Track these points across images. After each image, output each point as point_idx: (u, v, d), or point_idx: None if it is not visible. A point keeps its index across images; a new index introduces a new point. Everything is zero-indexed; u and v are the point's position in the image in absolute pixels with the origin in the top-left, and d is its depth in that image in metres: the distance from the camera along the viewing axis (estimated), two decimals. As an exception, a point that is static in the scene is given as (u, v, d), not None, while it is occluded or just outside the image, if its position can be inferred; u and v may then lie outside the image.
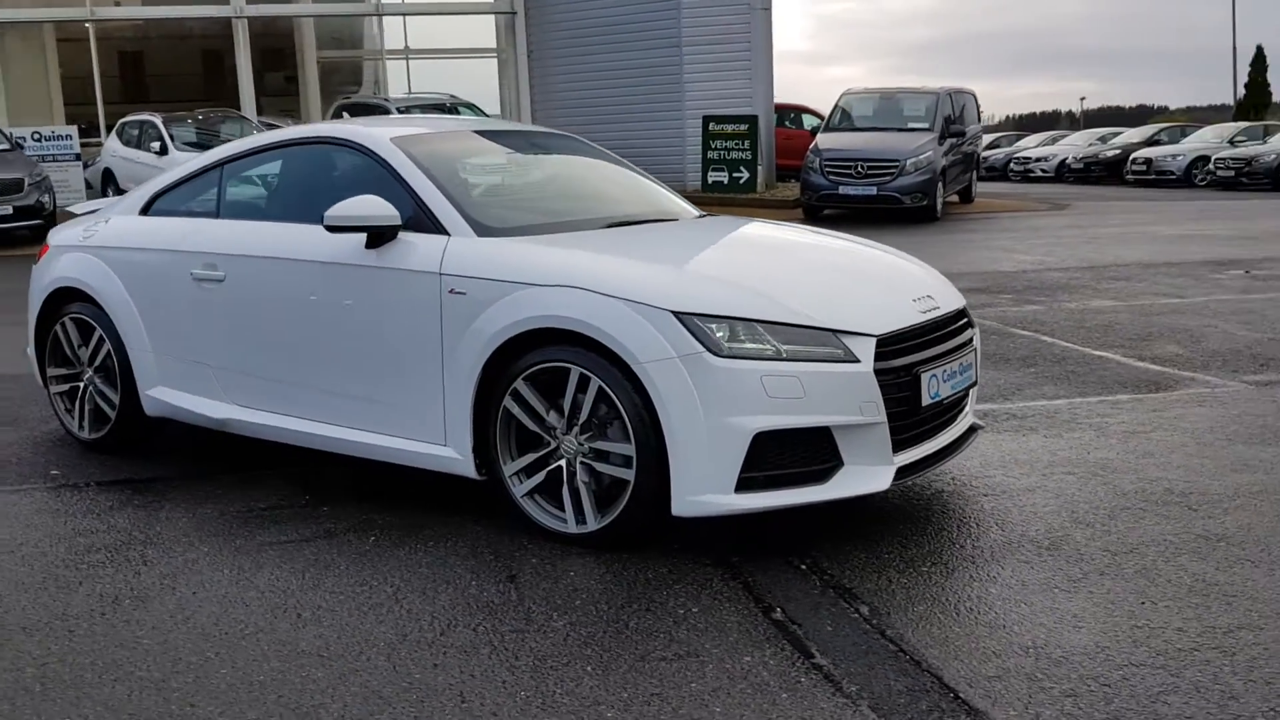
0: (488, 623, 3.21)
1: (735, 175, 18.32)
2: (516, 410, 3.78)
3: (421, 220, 4.08)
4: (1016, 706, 2.63)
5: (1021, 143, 35.79)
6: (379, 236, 4.07)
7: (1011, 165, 32.69)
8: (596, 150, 5.39)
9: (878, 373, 3.54)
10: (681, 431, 3.44)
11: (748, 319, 3.51)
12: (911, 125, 16.49)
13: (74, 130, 17.95)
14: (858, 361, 3.51)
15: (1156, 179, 26.51)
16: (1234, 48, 41.46)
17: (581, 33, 20.21)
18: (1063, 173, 30.57)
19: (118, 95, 24.59)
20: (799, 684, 2.79)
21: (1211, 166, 25.06)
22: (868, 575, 3.47)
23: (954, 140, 16.74)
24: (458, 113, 17.86)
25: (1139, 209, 18.80)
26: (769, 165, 19.19)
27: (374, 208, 4.01)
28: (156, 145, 15.37)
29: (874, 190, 15.64)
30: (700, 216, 4.87)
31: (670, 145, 19.32)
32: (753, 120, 18.31)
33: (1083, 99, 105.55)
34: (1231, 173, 24.26)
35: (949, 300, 4.09)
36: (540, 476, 3.79)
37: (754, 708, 2.68)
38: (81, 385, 5.10)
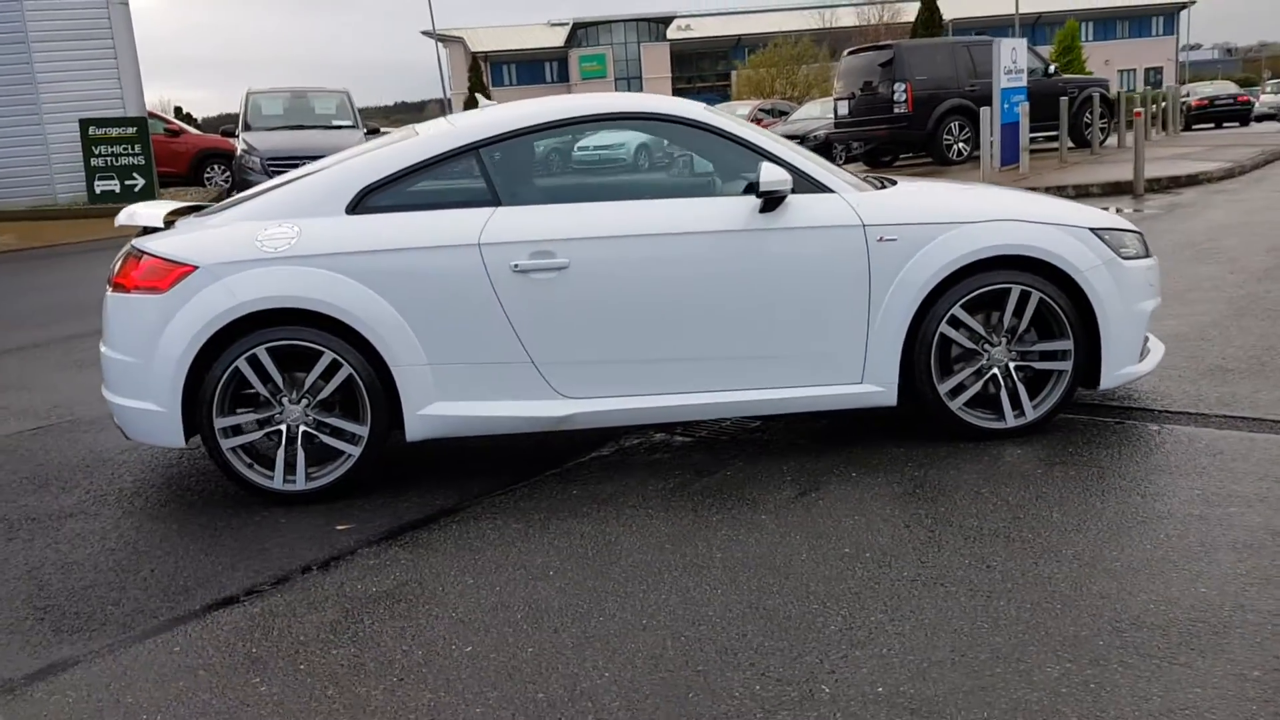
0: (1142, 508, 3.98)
1: (129, 183, 16.78)
2: (954, 334, 4.43)
3: (798, 183, 4.39)
4: None
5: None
6: (778, 200, 4.32)
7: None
8: None
9: None
10: (1113, 321, 4.48)
11: (1122, 229, 4.63)
12: (337, 123, 16.70)
13: None
14: (1152, 256, 4.85)
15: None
16: (439, 55, 46.27)
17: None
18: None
19: None
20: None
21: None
22: (1176, 399, 4.85)
23: (372, 137, 17.34)
24: None
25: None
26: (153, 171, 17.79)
27: (782, 174, 4.26)
28: None
29: (325, 188, 15.66)
30: None
31: (31, 154, 16.90)
32: (141, 123, 16.87)
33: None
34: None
35: None
36: (977, 387, 4.49)
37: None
38: (287, 427, 4.22)
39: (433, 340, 4.17)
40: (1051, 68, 19.20)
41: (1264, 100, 42.65)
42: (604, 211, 4.28)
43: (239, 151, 15.86)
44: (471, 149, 4.34)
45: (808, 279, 4.30)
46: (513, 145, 4.39)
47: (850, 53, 19.06)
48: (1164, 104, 24.41)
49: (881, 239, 4.33)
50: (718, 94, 66.90)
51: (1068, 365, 4.47)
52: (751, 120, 26.17)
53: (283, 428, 4.21)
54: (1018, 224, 4.40)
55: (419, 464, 4.71)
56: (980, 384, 4.48)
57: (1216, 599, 3.01)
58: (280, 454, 4.20)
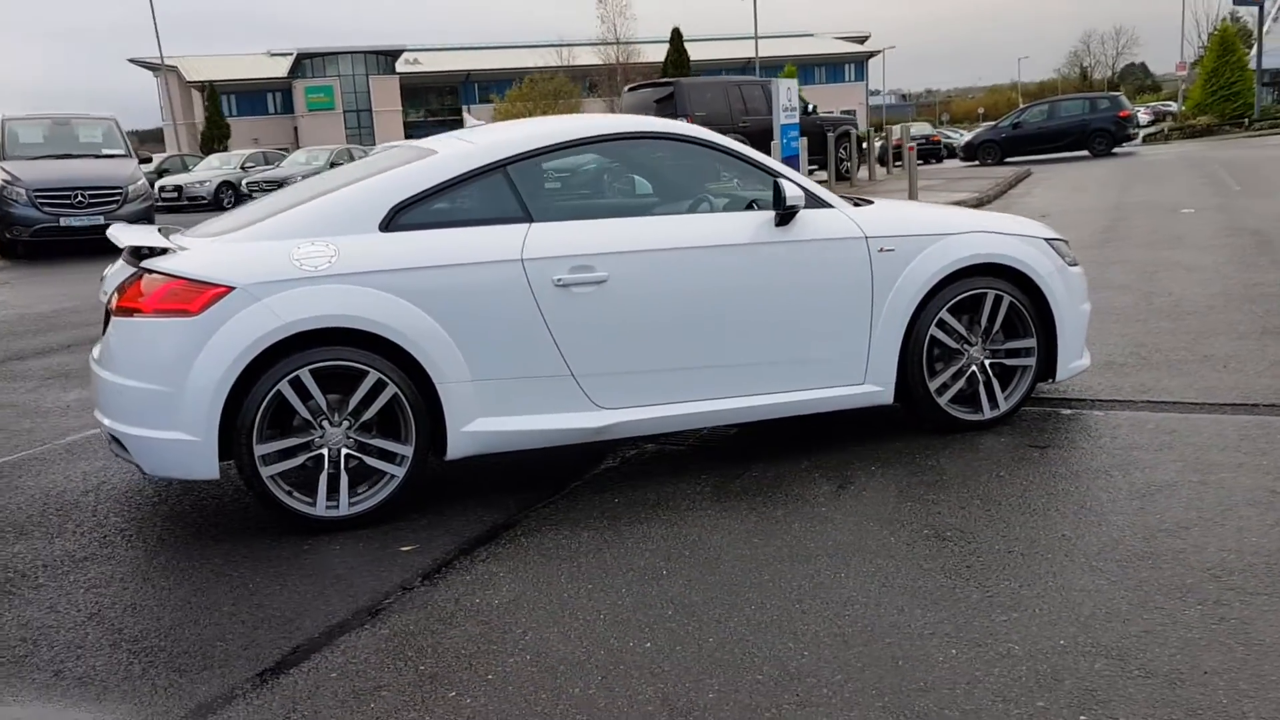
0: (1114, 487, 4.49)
1: None
2: (941, 336, 4.86)
3: (806, 199, 4.71)
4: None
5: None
6: (792, 215, 4.62)
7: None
8: None
9: None
10: (1067, 320, 5.04)
11: (1060, 239, 5.22)
12: (107, 151, 15.65)
13: None
14: (1079, 265, 5.48)
15: (189, 204, 27.77)
16: (166, 83, 43.65)
17: None
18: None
19: None
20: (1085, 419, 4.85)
21: (245, 189, 27.33)
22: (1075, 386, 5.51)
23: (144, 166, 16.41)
24: None
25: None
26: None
27: (798, 190, 4.57)
28: None
29: (101, 220, 14.70)
30: None
31: None
32: None
33: None
34: (264, 193, 26.85)
35: None
36: (960, 383, 4.93)
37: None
38: (328, 451, 4.10)
39: (477, 356, 4.17)
40: (810, 107, 20.57)
41: (967, 140, 47.22)
42: (636, 226, 4.42)
43: (2, 183, 14.54)
44: (499, 166, 4.37)
45: (821, 287, 4.60)
46: (539, 162, 4.45)
47: (630, 89, 19.72)
48: (898, 140, 26.54)
49: (882, 249, 4.68)
50: (451, 129, 66.67)
51: (1032, 361, 4.97)
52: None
53: (324, 451, 4.07)
54: (991, 235, 4.88)
55: (435, 486, 4.64)
56: (962, 381, 4.90)
57: (1271, 544, 3.51)
58: (323, 479, 4.06)
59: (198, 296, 3.92)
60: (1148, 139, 44.12)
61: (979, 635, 3.02)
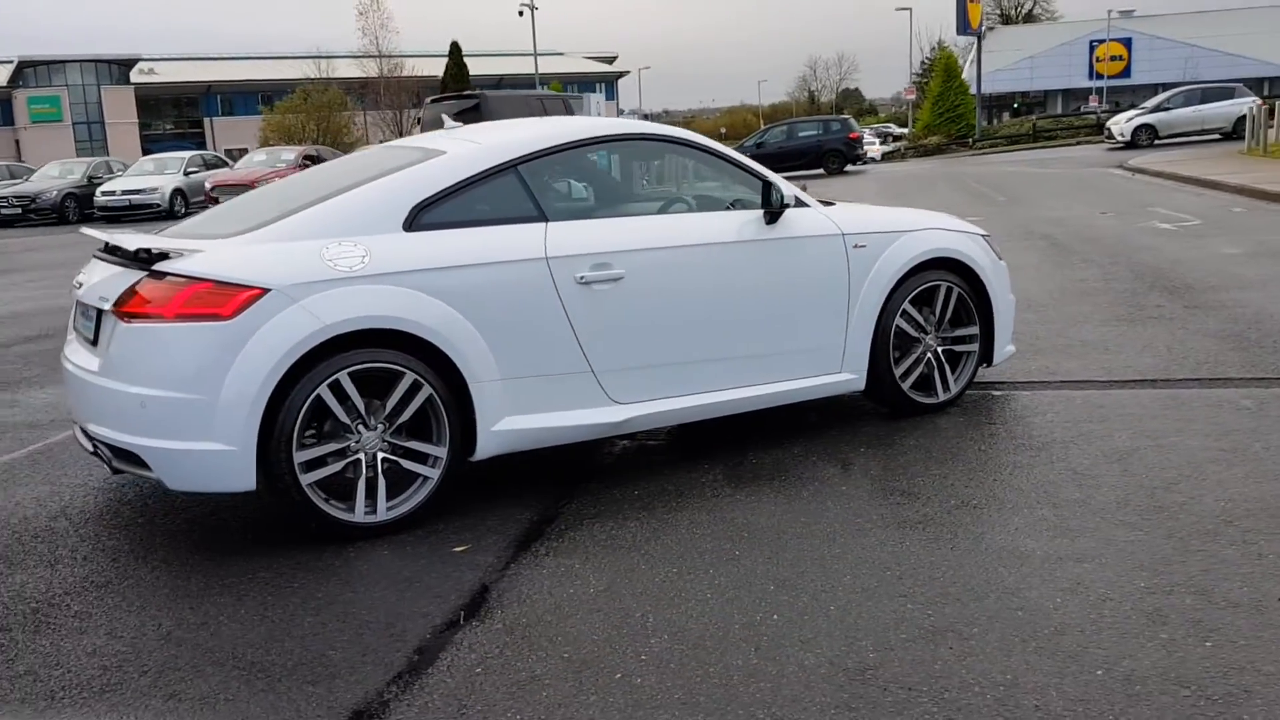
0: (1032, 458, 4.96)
1: None
2: (904, 325, 5.23)
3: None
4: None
5: None
6: (779, 214, 4.87)
7: None
8: None
9: None
10: (1001, 309, 5.52)
11: (989, 235, 5.71)
12: None
13: None
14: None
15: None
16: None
17: None
18: None
19: None
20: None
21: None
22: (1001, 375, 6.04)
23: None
24: None
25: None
26: None
27: (790, 191, 4.85)
28: None
29: None
30: None
31: None
32: None
33: None
34: (19, 210, 24.87)
35: None
36: (920, 369, 5.32)
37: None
38: (380, 456, 4.02)
39: (505, 354, 4.17)
40: (608, 120, 20.96)
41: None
42: (646, 225, 4.54)
43: None
44: (511, 166, 4.38)
45: (810, 281, 4.86)
46: (547, 163, 4.50)
47: (434, 100, 19.51)
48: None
49: (856, 245, 4.99)
50: (193, 142, 63.50)
51: (975, 347, 5.41)
52: (299, 166, 25.58)
53: (360, 456, 3.97)
54: (943, 232, 5.28)
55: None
56: (920, 368, 5.27)
57: (1254, 492, 4.01)
58: (361, 484, 3.97)
59: (230, 300, 3.74)
60: (887, 156, 47.40)
61: (1069, 584, 3.32)
